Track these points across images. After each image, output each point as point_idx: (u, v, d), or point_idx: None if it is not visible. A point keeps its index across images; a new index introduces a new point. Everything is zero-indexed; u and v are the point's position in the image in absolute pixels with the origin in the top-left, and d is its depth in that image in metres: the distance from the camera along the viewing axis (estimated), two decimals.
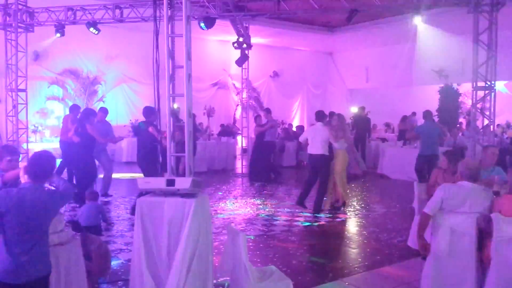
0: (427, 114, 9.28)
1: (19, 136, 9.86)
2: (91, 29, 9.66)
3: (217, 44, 16.10)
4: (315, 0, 8.86)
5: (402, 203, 9.10)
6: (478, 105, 8.51)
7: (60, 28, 9.77)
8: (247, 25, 12.89)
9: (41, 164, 3.19)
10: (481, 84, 8.27)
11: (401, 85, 17.89)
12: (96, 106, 13.08)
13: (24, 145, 10.24)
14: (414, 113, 17.20)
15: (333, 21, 14.87)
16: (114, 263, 5.40)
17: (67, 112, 12.78)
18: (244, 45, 12.39)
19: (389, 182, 10.26)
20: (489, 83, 8.21)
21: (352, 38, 16.56)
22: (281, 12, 9.31)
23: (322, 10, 9.07)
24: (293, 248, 6.09)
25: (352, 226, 7.46)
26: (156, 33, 5.16)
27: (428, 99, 16.95)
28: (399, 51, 17.09)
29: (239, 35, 12.11)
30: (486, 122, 8.53)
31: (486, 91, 8.33)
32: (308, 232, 6.94)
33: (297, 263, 5.47)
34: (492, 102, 8.32)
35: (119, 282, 4.76)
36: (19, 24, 9.67)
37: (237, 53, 12.38)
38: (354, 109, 16.54)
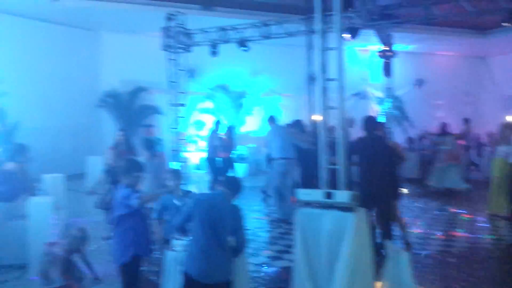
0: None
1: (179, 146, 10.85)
2: (242, 48, 10.27)
3: (357, 53, 15.94)
4: (467, 2, 8.22)
5: None
6: None
7: (214, 48, 10.57)
8: (390, 33, 12.46)
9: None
10: None
11: None
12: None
13: (182, 154, 11.24)
14: None
15: (485, 23, 13.64)
16: (270, 269, 5.63)
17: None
18: (388, 54, 12.01)
19: None
20: None
21: (509, 40, 14.95)
22: (431, 18, 8.82)
23: (476, 13, 8.34)
24: (454, 271, 5.67)
25: None
26: (309, 47, 5.29)
27: None
28: None
29: (383, 43, 11.78)
30: None
31: None
32: (471, 254, 6.42)
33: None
34: None
35: None
36: (179, 45, 10.69)
37: (377, 62, 12.09)
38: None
